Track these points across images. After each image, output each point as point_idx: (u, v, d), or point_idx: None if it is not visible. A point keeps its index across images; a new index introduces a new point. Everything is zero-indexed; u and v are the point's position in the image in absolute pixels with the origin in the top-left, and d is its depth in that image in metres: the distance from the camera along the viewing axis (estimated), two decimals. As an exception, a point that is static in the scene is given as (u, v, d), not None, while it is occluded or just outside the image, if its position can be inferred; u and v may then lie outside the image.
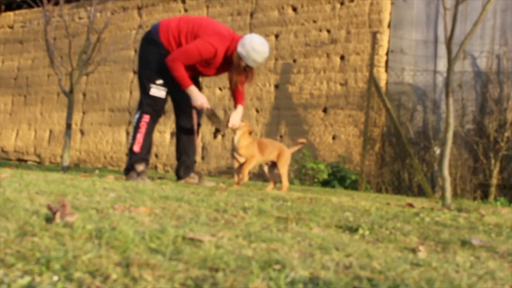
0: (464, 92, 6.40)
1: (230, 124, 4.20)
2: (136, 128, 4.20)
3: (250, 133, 4.26)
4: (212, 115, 4.27)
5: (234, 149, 4.22)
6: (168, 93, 4.26)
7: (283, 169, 4.39)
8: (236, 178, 4.27)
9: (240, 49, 4.04)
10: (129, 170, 4.20)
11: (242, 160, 4.22)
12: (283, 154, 4.40)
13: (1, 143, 10.49)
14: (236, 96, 4.35)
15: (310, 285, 1.08)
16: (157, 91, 4.19)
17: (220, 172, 7.89)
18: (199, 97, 4.18)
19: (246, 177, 4.23)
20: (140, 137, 4.17)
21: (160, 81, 4.18)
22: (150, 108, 4.19)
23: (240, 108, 4.30)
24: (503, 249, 1.78)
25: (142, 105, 4.22)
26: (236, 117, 4.22)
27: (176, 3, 8.84)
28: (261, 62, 4.11)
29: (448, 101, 3.55)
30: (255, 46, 4.02)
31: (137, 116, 4.22)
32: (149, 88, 4.18)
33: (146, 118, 4.19)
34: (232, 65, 4.12)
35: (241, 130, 4.21)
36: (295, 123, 7.42)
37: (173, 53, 4.08)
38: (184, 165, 4.42)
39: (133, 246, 1.29)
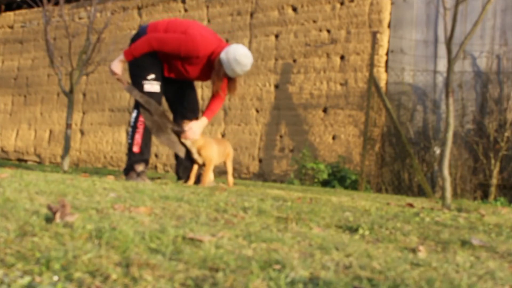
0: (464, 92, 6.40)
1: (186, 135, 4.11)
2: (134, 128, 4.15)
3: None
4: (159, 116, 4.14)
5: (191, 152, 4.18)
6: (162, 86, 4.20)
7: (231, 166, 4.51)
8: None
9: (223, 55, 3.98)
10: (128, 170, 4.17)
11: (200, 162, 4.20)
12: (231, 150, 4.50)
13: (1, 143, 10.49)
14: (208, 107, 4.26)
15: (310, 285, 1.08)
16: (150, 86, 4.13)
17: (220, 172, 7.89)
18: (114, 63, 4.11)
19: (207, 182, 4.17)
20: (138, 137, 4.13)
21: (151, 76, 4.13)
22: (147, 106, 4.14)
23: (204, 120, 4.20)
24: (503, 249, 1.78)
25: (137, 103, 4.17)
26: (196, 129, 4.13)
27: (176, 3, 8.84)
28: (240, 74, 4.02)
29: (448, 101, 3.55)
30: (237, 57, 3.93)
31: (133, 115, 4.17)
32: (142, 85, 4.13)
33: (142, 117, 4.14)
34: (213, 70, 4.07)
35: (195, 146, 4.14)
36: (295, 123, 7.42)
37: (155, 34, 4.03)
38: (182, 165, 4.40)
39: (133, 246, 1.29)
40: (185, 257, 1.23)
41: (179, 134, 4.15)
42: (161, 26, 4.15)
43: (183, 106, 4.37)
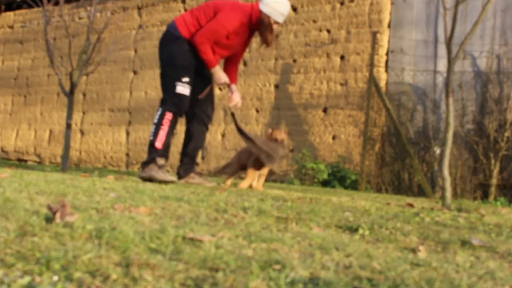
0: (464, 92, 6.40)
1: (233, 103, 4.31)
2: (159, 124, 4.13)
3: None
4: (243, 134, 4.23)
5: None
6: (191, 91, 4.27)
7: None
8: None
9: (264, 9, 4.18)
10: (148, 163, 4.13)
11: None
12: None
13: (1, 143, 10.49)
14: (232, 76, 4.44)
15: (310, 285, 1.08)
16: (183, 88, 4.16)
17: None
18: (223, 77, 4.26)
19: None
20: (163, 134, 4.12)
21: (186, 79, 4.16)
22: (175, 106, 4.15)
23: (235, 87, 4.42)
24: (503, 249, 1.78)
25: (166, 103, 4.17)
26: (237, 96, 4.38)
27: (176, 3, 8.84)
28: (287, 13, 4.27)
29: (448, 101, 3.55)
30: (277, 2, 4.19)
31: (159, 113, 4.16)
32: (174, 86, 4.15)
33: (169, 115, 4.13)
34: (261, 28, 4.23)
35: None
36: (295, 123, 7.42)
37: (199, 33, 4.11)
38: (185, 166, 4.44)
39: (133, 246, 1.29)
40: (185, 257, 1.23)
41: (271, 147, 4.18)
42: (187, 16, 4.25)
43: (201, 109, 4.41)
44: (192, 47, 4.18)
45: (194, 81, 4.25)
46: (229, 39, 4.21)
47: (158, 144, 4.10)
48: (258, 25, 4.23)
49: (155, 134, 4.12)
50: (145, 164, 4.15)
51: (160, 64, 4.31)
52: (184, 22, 4.21)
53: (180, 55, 4.19)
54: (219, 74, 4.25)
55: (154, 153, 4.10)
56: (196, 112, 4.40)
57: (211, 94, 4.46)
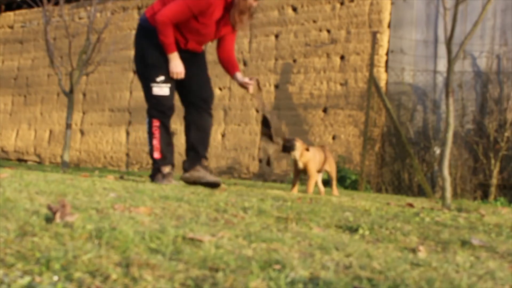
0: (464, 92, 6.40)
1: (252, 89, 4.10)
2: (150, 134, 4.00)
3: (307, 149, 4.30)
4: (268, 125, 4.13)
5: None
6: (172, 87, 4.02)
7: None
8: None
9: None
10: (154, 174, 4.02)
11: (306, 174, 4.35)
12: (332, 158, 4.68)
13: (1, 143, 10.49)
14: (231, 65, 4.15)
15: (310, 285, 1.08)
16: (159, 89, 3.94)
17: (220, 172, 7.89)
18: (178, 66, 3.93)
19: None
20: (156, 143, 3.97)
21: (160, 78, 3.93)
22: (156, 111, 3.97)
23: (240, 75, 4.14)
24: (503, 249, 1.78)
25: (148, 109, 4.02)
26: (249, 80, 4.11)
27: (176, 3, 8.83)
28: None
29: (448, 101, 3.55)
30: None
31: (147, 120, 4.04)
32: (150, 88, 3.98)
33: (156, 122, 3.97)
34: (234, 8, 3.89)
35: (302, 160, 4.28)
36: (295, 123, 7.42)
37: (160, 12, 3.82)
38: (190, 159, 4.16)
39: (133, 246, 1.28)
40: (185, 257, 1.23)
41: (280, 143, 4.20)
42: (156, 3, 3.97)
43: (195, 95, 4.13)
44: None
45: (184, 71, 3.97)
46: (200, 22, 3.89)
47: (156, 154, 3.98)
48: (231, 7, 3.88)
49: (150, 144, 4.01)
50: (152, 177, 4.06)
51: (134, 63, 4.11)
52: (152, 10, 3.95)
53: (150, 52, 3.94)
54: (176, 61, 3.92)
55: (155, 164, 4.01)
56: (191, 100, 4.14)
57: (203, 76, 4.17)
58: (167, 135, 4.05)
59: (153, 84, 3.96)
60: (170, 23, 3.83)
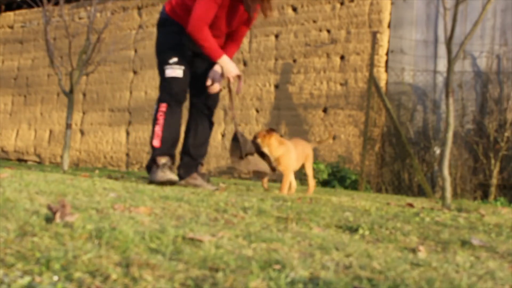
0: (464, 92, 6.40)
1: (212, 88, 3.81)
2: (154, 120, 3.79)
3: (280, 142, 3.91)
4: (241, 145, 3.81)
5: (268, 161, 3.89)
6: (186, 71, 3.79)
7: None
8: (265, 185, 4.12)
9: None
10: (150, 166, 3.81)
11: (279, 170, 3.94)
12: (311, 152, 4.24)
13: (1, 143, 10.49)
14: (227, 49, 3.88)
15: (310, 285, 1.08)
16: (172, 71, 3.74)
17: (220, 172, 7.89)
18: (232, 68, 3.74)
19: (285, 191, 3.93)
20: (158, 129, 3.73)
21: (173, 59, 3.75)
22: (167, 94, 3.77)
23: (225, 58, 3.77)
24: (503, 249, 1.78)
25: (160, 94, 3.83)
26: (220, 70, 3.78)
27: (176, 3, 8.84)
28: None
29: (448, 101, 3.55)
30: None
31: (155, 107, 3.85)
32: (163, 71, 3.78)
33: (163, 107, 3.76)
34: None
35: (273, 155, 3.84)
36: (295, 123, 7.42)
37: (191, 20, 3.62)
38: (185, 165, 4.04)
39: (133, 246, 1.28)
40: (185, 257, 1.23)
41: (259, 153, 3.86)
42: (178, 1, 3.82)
43: (200, 99, 4.01)
44: (180, 28, 3.77)
45: (192, 61, 3.83)
46: (223, 13, 3.73)
47: (156, 142, 3.76)
48: None
49: (152, 131, 3.81)
50: (148, 168, 3.88)
51: (155, 49, 3.98)
52: (171, 4, 3.86)
53: (164, 39, 3.85)
54: (227, 65, 3.71)
55: (153, 153, 3.80)
56: (194, 102, 4.01)
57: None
58: (173, 123, 3.82)
59: (166, 66, 3.81)
60: (204, 25, 3.64)
